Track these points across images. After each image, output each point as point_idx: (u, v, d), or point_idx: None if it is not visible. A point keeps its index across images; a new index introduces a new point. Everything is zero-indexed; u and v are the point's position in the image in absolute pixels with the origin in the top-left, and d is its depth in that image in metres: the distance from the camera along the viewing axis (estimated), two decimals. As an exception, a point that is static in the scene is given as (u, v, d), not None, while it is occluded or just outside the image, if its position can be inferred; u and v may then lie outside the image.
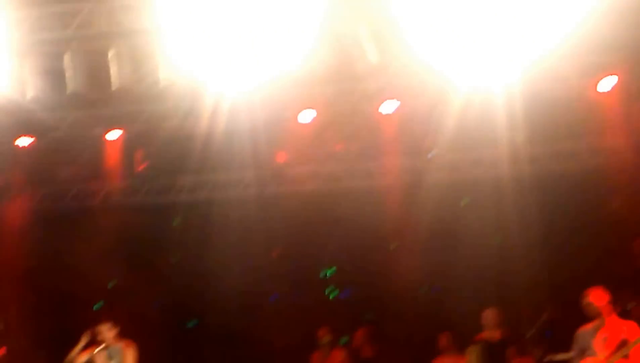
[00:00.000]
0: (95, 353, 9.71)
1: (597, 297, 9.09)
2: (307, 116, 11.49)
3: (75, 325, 12.46)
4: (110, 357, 9.81)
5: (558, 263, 11.60)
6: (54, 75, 10.12)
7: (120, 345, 9.95)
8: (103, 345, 9.75)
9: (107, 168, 12.99)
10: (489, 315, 10.29)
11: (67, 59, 9.99)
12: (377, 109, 11.31)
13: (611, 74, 10.95)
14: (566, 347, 10.03)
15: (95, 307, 14.04)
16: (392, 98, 11.24)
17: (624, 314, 9.43)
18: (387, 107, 11.27)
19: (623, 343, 8.95)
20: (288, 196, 13.05)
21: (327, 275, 13.68)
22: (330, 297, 13.65)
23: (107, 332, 9.83)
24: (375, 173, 12.69)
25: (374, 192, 12.60)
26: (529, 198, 11.57)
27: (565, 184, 11.67)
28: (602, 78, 11.01)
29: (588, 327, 9.25)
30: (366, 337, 11.95)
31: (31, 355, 13.01)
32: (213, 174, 12.98)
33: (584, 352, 9.26)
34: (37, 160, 12.85)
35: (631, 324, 9.08)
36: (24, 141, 12.48)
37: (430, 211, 11.88)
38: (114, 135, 12.31)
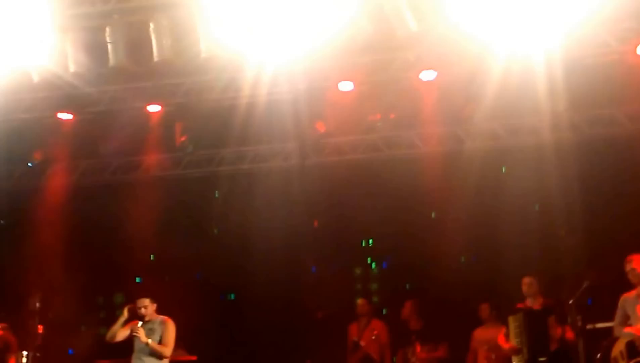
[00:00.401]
0: (136, 328, 9.93)
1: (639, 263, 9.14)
2: (347, 86, 11.51)
3: (117, 299, 12.78)
4: (150, 332, 9.99)
5: (599, 230, 11.57)
6: (96, 49, 10.25)
7: (160, 319, 10.13)
8: (143, 321, 9.96)
9: (149, 141, 13.12)
10: (529, 283, 10.32)
11: (108, 33, 10.11)
12: (417, 77, 11.30)
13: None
14: (607, 315, 10.10)
15: (137, 280, 14.25)
16: (431, 68, 11.23)
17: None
18: (427, 76, 11.26)
19: (666, 311, 9.01)
20: (328, 166, 13.09)
21: (369, 244, 13.73)
22: (372, 267, 13.69)
23: (148, 306, 10.03)
24: (416, 142, 12.70)
25: (414, 161, 12.61)
26: (569, 165, 11.54)
27: (606, 151, 11.61)
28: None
29: (631, 294, 9.29)
30: (414, 309, 12.08)
31: (72, 329, 13.25)
32: (254, 146, 13.01)
33: (627, 319, 9.30)
34: (79, 134, 12.94)
35: (674, 292, 9.14)
36: (65, 115, 12.60)
37: (471, 180, 11.90)
38: (155, 108, 12.36)
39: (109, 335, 10.09)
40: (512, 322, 10.28)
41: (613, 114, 11.83)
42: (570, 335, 10.21)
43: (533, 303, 10.29)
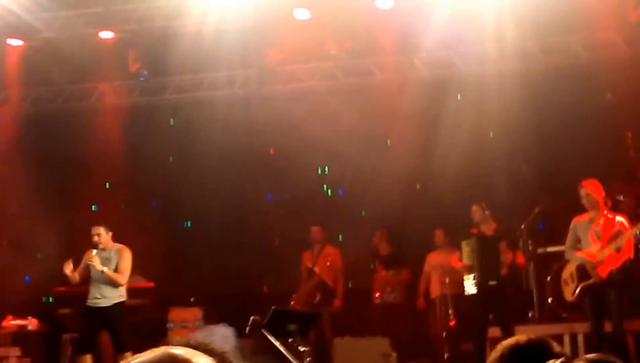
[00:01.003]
0: (91, 257, 10.04)
1: (594, 189, 9.37)
2: (302, 14, 11.49)
3: (74, 226, 12.80)
4: (106, 261, 10.12)
5: (552, 157, 11.85)
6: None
7: (115, 247, 10.25)
8: (97, 249, 10.08)
9: (101, 68, 13.01)
10: (474, 210, 10.55)
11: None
12: (373, 4, 11.33)
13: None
14: (558, 240, 10.42)
15: (93, 208, 14.26)
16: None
17: (615, 206, 9.75)
18: (383, 4, 11.29)
19: (616, 235, 9.29)
20: (285, 94, 13.14)
21: (325, 172, 13.82)
22: (328, 194, 13.83)
23: (101, 234, 10.14)
24: (372, 70, 12.77)
25: (371, 89, 12.73)
26: (524, 93, 11.70)
27: (558, 80, 11.79)
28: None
29: (583, 218, 9.53)
30: (383, 235, 12.36)
31: (28, 257, 13.26)
32: (210, 73, 12.95)
33: (577, 242, 9.58)
34: (30, 61, 12.85)
35: (623, 217, 9.42)
36: (15, 42, 12.43)
37: (427, 107, 12.06)
38: (107, 34, 12.25)
39: (71, 281, 10.24)
40: (465, 246, 10.53)
41: (565, 43, 11.96)
42: (520, 259, 10.52)
43: (485, 229, 10.51)
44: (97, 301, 10.15)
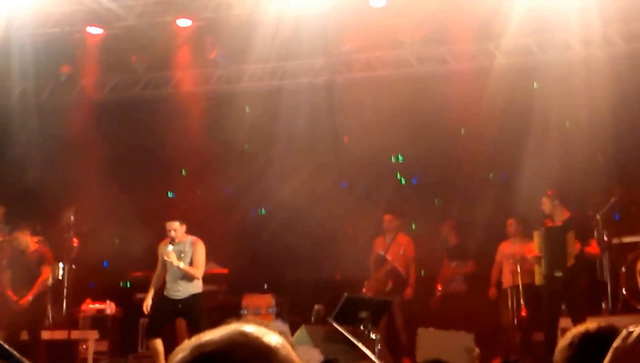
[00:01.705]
0: (168, 253, 10.36)
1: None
2: (378, 2, 11.52)
3: (151, 212, 13.06)
4: (181, 254, 10.42)
5: (629, 147, 11.67)
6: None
7: (189, 240, 10.53)
8: (174, 243, 10.38)
9: (179, 56, 13.25)
10: (546, 201, 10.56)
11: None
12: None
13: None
14: (634, 230, 10.31)
15: (169, 195, 14.54)
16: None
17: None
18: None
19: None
20: (358, 82, 13.22)
21: (398, 160, 13.83)
22: (402, 183, 13.84)
23: (177, 229, 10.42)
24: (447, 58, 12.80)
25: (445, 77, 12.74)
26: (601, 81, 11.53)
27: (637, 68, 11.58)
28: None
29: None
30: (452, 226, 12.39)
31: (106, 242, 13.58)
32: (284, 62, 13.10)
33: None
34: (109, 49, 13.10)
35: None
36: (95, 30, 12.74)
37: (502, 96, 11.98)
38: (185, 22, 12.49)
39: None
40: (536, 236, 10.62)
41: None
42: (591, 249, 10.40)
43: (558, 219, 10.55)
44: (174, 293, 10.52)
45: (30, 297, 11.15)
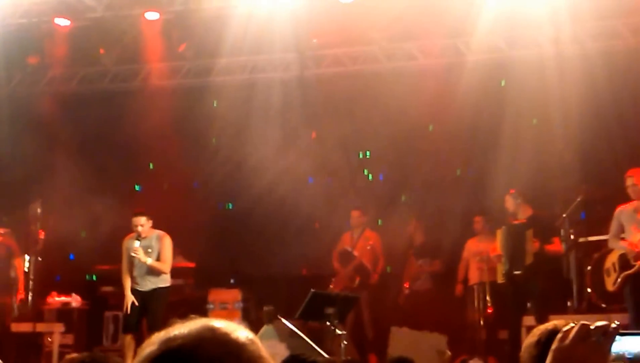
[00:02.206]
0: (135, 249, 10.30)
1: (640, 178, 9.30)
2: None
3: (117, 205, 12.94)
4: (147, 249, 10.37)
5: (596, 145, 11.66)
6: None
7: (156, 234, 10.48)
8: (140, 240, 10.33)
9: (147, 49, 13.11)
10: (509, 199, 10.58)
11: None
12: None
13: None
14: (600, 229, 10.34)
15: (136, 188, 14.42)
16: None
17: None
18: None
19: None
20: (327, 78, 13.15)
21: (366, 156, 13.80)
22: (369, 178, 13.80)
23: (144, 224, 10.37)
24: (415, 54, 12.73)
25: (413, 73, 12.65)
26: (569, 79, 11.53)
27: (602, 66, 11.57)
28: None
29: (628, 207, 9.45)
30: (418, 226, 12.40)
31: (73, 235, 13.44)
32: (253, 56, 12.98)
33: (621, 231, 9.50)
34: (77, 41, 12.97)
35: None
36: (63, 21, 12.55)
37: (470, 93, 11.93)
38: (153, 15, 12.34)
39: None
40: (499, 235, 10.64)
41: (615, 27, 11.79)
42: (554, 247, 10.41)
43: (522, 217, 10.55)
44: (141, 286, 10.49)
45: (23, 294, 11.29)
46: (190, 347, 1.65)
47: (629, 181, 9.37)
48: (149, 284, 10.45)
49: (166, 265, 10.47)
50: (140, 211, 10.57)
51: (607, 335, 2.02)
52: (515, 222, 10.46)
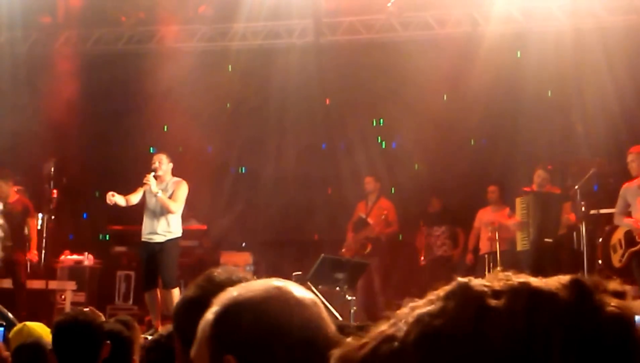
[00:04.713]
0: (148, 178, 9.59)
1: (640, 155, 9.09)
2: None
3: (131, 166, 12.76)
4: (162, 190, 9.67)
5: (611, 118, 11.35)
6: None
7: (174, 179, 9.86)
8: (156, 177, 9.64)
9: (164, 10, 12.88)
10: (542, 174, 10.30)
11: None
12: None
13: None
14: (613, 202, 10.08)
15: (151, 150, 14.19)
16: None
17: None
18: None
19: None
20: (342, 45, 12.87)
21: (380, 124, 13.57)
22: (382, 146, 13.58)
23: (162, 161, 9.76)
24: (431, 23, 12.42)
25: (429, 42, 12.36)
26: (585, 51, 11.28)
27: (624, 39, 11.27)
28: None
29: (633, 184, 9.27)
30: (432, 192, 12.16)
31: (86, 195, 13.30)
32: (269, 22, 12.71)
33: (627, 207, 9.32)
34: (92, 2, 12.78)
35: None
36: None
37: (485, 63, 11.66)
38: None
39: (122, 205, 9.81)
40: (520, 203, 10.31)
41: (632, 1, 11.47)
42: (573, 220, 10.26)
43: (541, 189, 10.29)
44: (152, 236, 9.73)
45: (36, 252, 11.09)
46: (257, 302, 1.64)
47: (630, 158, 9.24)
48: (158, 236, 9.65)
49: (176, 204, 9.61)
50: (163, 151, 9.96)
51: None
52: (546, 191, 10.22)
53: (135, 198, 9.86)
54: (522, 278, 1.10)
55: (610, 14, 11.49)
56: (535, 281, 1.09)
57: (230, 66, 13.39)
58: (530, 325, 1.05)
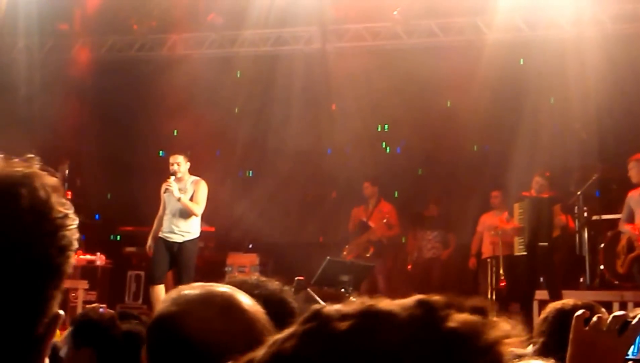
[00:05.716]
0: (169, 183, 9.38)
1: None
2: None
3: (142, 169, 12.77)
4: (181, 191, 9.46)
5: (613, 125, 11.22)
6: None
7: (192, 179, 9.61)
8: (175, 178, 9.40)
9: (175, 19, 12.88)
10: (540, 181, 10.16)
11: None
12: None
13: None
14: (614, 208, 10.03)
15: (160, 153, 14.19)
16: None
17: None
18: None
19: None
20: (348, 52, 12.77)
21: (384, 129, 13.54)
22: (386, 151, 13.54)
23: (180, 163, 9.50)
24: (435, 31, 12.30)
25: (433, 50, 12.25)
26: (588, 60, 11.17)
27: (627, 47, 11.15)
28: None
29: (636, 192, 9.18)
30: (431, 197, 12.09)
31: (99, 196, 13.31)
32: (277, 28, 12.64)
33: (632, 215, 9.24)
34: (106, 10, 12.75)
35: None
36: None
37: (489, 71, 11.56)
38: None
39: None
40: (517, 208, 10.15)
41: (636, 10, 11.37)
42: (571, 224, 10.18)
43: (539, 194, 10.17)
44: (171, 235, 9.48)
45: None
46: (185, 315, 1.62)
47: (629, 166, 9.19)
48: (179, 235, 9.44)
49: (199, 206, 9.39)
50: (179, 151, 9.70)
51: (632, 329, 1.97)
52: (539, 196, 10.16)
53: (160, 221, 9.70)
54: (372, 301, 1.11)
55: (613, 22, 11.31)
56: (384, 303, 1.11)
57: (238, 72, 13.36)
58: (372, 346, 1.06)
